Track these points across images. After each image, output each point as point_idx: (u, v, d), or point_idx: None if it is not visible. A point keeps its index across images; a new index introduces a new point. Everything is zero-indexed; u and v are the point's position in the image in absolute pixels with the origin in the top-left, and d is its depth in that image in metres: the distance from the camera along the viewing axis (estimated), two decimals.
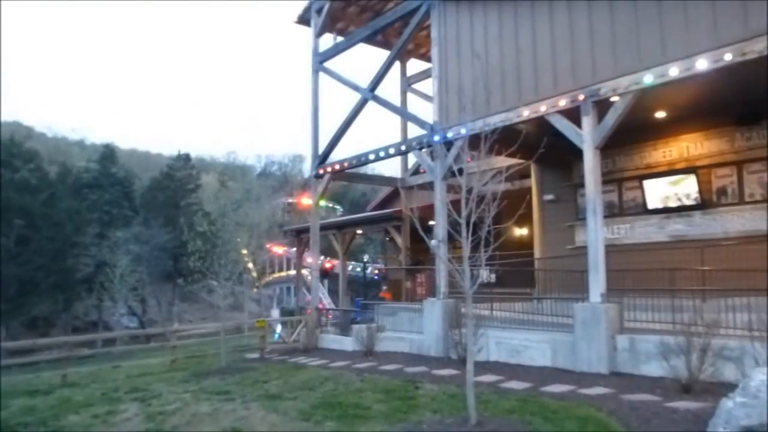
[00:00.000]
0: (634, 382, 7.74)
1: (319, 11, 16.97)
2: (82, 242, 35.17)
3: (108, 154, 47.70)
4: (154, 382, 10.96)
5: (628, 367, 8.34)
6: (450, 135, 11.87)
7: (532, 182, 14.34)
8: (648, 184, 11.62)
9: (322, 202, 21.55)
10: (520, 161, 13.96)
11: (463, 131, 11.26)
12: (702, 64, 8.11)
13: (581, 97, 9.50)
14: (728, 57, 7.85)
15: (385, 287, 17.25)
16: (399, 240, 18.08)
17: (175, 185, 44.51)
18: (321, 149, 16.25)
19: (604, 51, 9.45)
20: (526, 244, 14.67)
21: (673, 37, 8.52)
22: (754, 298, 8.29)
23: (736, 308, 8.18)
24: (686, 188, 11.11)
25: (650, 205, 11.62)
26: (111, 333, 28.44)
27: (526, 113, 10.48)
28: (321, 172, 16.14)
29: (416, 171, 18.54)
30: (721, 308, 8.14)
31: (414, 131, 14.81)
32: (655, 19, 8.77)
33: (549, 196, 13.85)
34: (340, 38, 17.51)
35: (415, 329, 12.10)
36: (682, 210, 11.19)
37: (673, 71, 8.42)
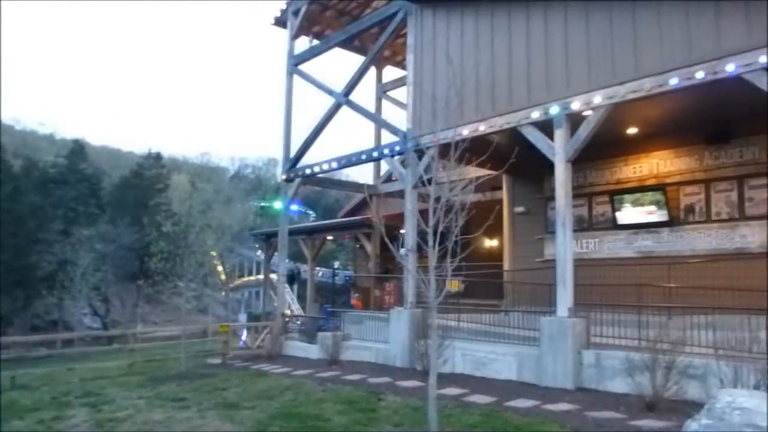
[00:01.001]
0: (599, 399, 7.66)
1: (296, 13, 16.77)
2: (44, 239, 34.11)
3: (77, 149, 46.45)
4: (108, 387, 10.56)
5: (594, 383, 8.27)
6: (422, 143, 11.75)
7: (504, 194, 14.31)
8: (617, 200, 11.65)
9: (295, 207, 21.32)
10: (492, 172, 13.95)
11: (435, 140, 11.18)
12: (674, 81, 8.13)
13: (554, 109, 9.46)
14: (700, 75, 7.89)
15: (355, 295, 17.02)
16: (369, 247, 17.88)
17: (144, 184, 43.56)
18: (293, 153, 16.00)
19: (578, 64, 9.44)
20: (496, 255, 14.63)
21: (647, 53, 8.54)
22: (719, 316, 8.34)
23: (701, 326, 8.18)
24: (655, 205, 11.17)
25: (619, 221, 11.65)
26: (69, 333, 27.50)
27: (499, 123, 10.42)
28: (291, 176, 15.89)
29: (389, 178, 18.40)
30: (686, 325, 8.12)
31: (387, 138, 14.68)
32: (630, 34, 8.79)
33: (520, 208, 13.82)
34: (316, 41, 17.34)
35: (381, 339, 11.90)
36: (650, 226, 11.24)
37: (646, 87, 8.44)
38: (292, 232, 17.93)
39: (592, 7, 9.37)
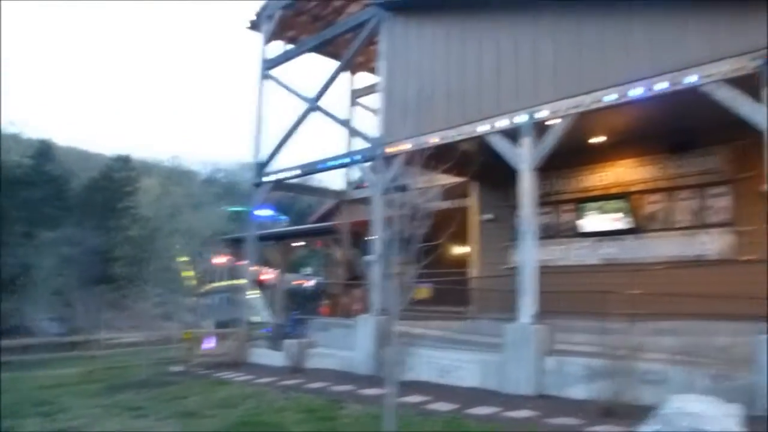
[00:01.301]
0: (560, 405, 7.67)
1: (270, 17, 16.67)
2: (7, 241, 33.15)
3: (44, 150, 45.22)
4: (64, 395, 10.28)
5: (556, 390, 8.29)
6: (392, 150, 11.72)
7: (472, 201, 14.38)
8: (583, 208, 11.80)
9: (266, 212, 21.18)
10: (461, 179, 13.99)
11: (405, 147, 11.20)
12: (638, 91, 8.26)
13: (521, 118, 9.53)
14: (662, 86, 8.03)
15: (324, 302, 16.86)
16: (338, 254, 17.77)
17: (113, 187, 42.65)
18: (264, 158, 15.86)
19: (545, 73, 9.53)
20: (466, 262, 14.67)
21: (613, 63, 8.67)
22: (680, 322, 8.49)
23: (662, 332, 8.30)
24: (619, 213, 11.34)
25: (585, 228, 11.80)
26: (30, 339, 26.68)
27: (467, 131, 10.44)
28: (261, 181, 15.73)
29: (360, 184, 18.33)
30: (647, 332, 8.22)
31: (360, 144, 14.65)
32: (596, 45, 8.93)
33: (488, 215, 13.89)
34: (290, 46, 17.25)
35: (347, 346, 11.75)
36: (614, 234, 11.40)
37: (611, 97, 8.54)
38: (262, 238, 17.70)
39: (560, 18, 9.49)
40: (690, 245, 10.41)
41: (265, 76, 16.32)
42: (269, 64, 16.36)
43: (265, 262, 18.67)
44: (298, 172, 14.94)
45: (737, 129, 7.52)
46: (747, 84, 7.22)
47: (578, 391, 7.94)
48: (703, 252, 10.21)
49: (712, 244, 10.16)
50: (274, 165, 15.81)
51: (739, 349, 6.86)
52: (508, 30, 10.26)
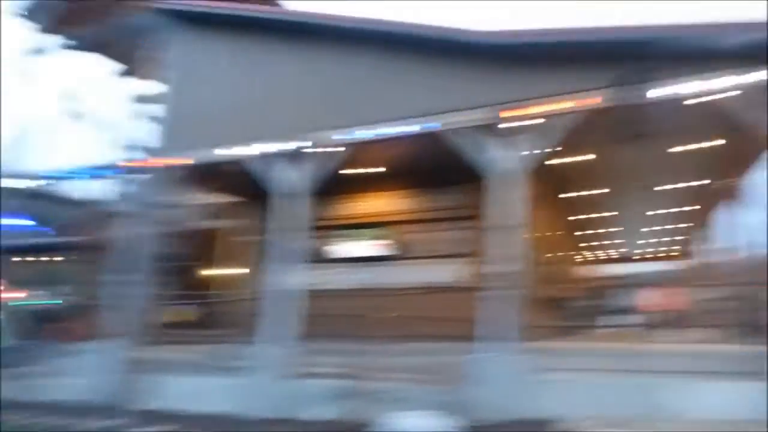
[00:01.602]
0: (299, 427, 7.69)
1: (45, 10, 14.86)
2: None
3: None
4: None
5: (301, 412, 8.26)
6: (164, 164, 11.00)
7: (252, 222, 14.08)
8: (348, 234, 12.33)
9: (21, 222, 18.46)
10: (240, 199, 13.67)
11: (182, 162, 10.63)
12: (409, 128, 8.96)
13: (292, 145, 9.71)
14: (415, 128, 8.87)
15: (65, 324, 14.83)
16: (87, 271, 15.99)
17: None
18: (8, 160, 13.88)
19: (321, 103, 9.90)
20: (238, 283, 14.23)
21: (388, 100, 9.35)
22: (422, 343, 9.19)
23: (405, 353, 8.86)
24: (379, 240, 12.09)
25: (348, 254, 12.36)
26: None
27: (234, 153, 10.31)
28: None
29: (130, 197, 16.83)
30: (393, 353, 8.72)
31: (129, 155, 13.52)
32: (374, 81, 9.62)
33: (263, 237, 13.70)
34: (69, 41, 15.48)
35: (83, 373, 10.33)
36: (373, 260, 12.14)
37: (384, 131, 9.13)
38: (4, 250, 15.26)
39: (345, 54, 10.00)
40: (437, 272, 11.53)
41: (24, 70, 14.51)
42: (32, 56, 14.61)
43: (5, 278, 16.05)
44: (50, 177, 13.32)
45: (479, 170, 8.52)
46: (491, 133, 8.27)
47: (323, 412, 8.04)
48: (447, 279, 11.34)
49: (456, 272, 11.34)
50: (24, 169, 13.93)
51: (463, 366, 7.65)
52: (295, 58, 10.53)
